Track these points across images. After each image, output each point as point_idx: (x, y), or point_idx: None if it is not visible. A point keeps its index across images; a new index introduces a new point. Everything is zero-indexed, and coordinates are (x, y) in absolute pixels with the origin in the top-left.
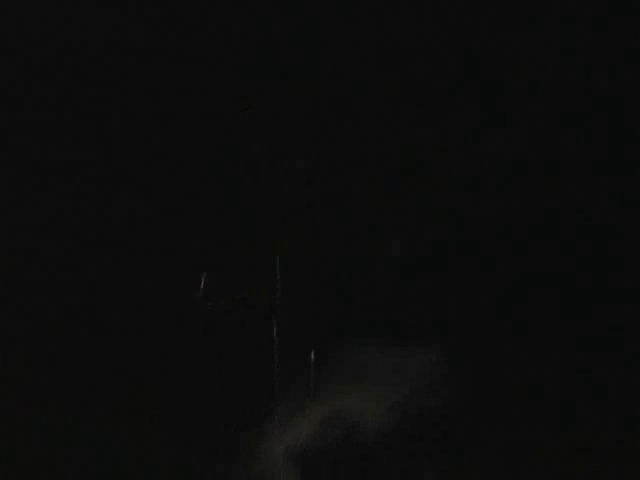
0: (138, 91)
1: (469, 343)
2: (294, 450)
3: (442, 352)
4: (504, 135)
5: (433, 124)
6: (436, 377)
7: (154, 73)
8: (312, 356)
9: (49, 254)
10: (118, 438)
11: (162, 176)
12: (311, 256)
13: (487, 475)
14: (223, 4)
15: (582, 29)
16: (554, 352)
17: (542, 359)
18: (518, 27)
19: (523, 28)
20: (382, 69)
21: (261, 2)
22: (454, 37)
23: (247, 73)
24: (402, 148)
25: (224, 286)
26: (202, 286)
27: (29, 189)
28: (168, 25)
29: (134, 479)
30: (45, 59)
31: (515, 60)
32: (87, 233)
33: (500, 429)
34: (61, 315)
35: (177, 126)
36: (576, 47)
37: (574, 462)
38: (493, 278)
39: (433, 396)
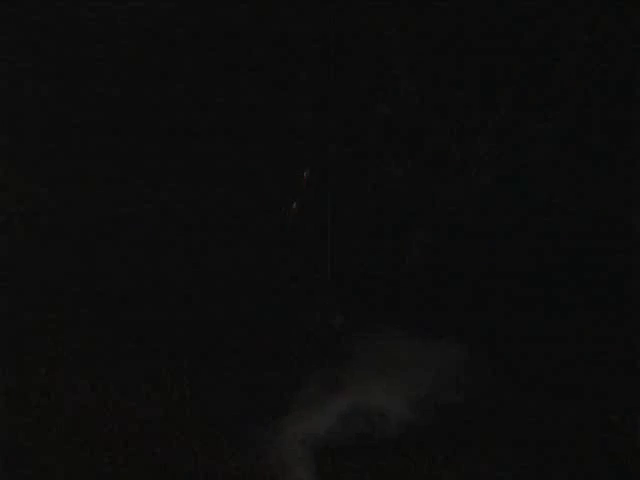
0: None
1: (493, 339)
2: (311, 440)
3: (466, 347)
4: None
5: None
6: (460, 372)
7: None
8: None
9: None
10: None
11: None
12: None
13: (508, 469)
14: None
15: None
16: (576, 347)
17: (564, 355)
18: None
19: None
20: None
21: None
22: None
23: None
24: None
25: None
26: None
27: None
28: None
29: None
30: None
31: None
32: None
33: (522, 424)
34: None
35: None
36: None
37: (592, 458)
38: (518, 275)
39: (457, 391)
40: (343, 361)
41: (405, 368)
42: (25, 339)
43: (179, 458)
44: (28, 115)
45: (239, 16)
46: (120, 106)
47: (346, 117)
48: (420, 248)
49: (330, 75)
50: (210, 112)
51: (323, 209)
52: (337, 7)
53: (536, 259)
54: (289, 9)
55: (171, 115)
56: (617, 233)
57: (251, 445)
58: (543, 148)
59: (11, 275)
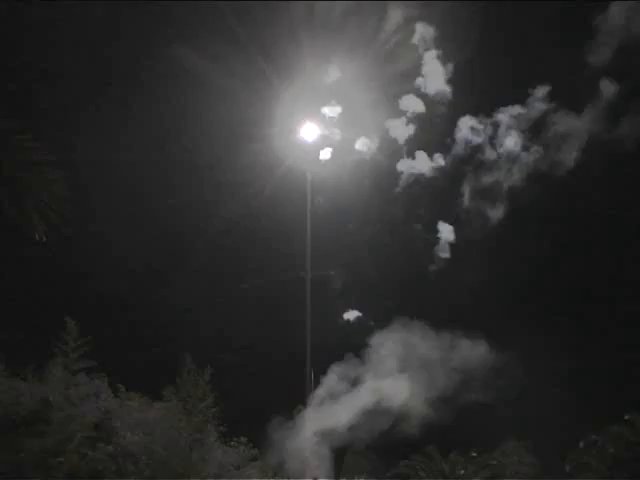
0: None
1: (518, 337)
2: (330, 436)
3: (491, 345)
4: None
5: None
6: (485, 370)
7: None
8: None
9: None
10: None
11: None
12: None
13: (537, 469)
14: None
15: None
16: (605, 348)
17: (591, 354)
18: None
19: None
20: None
21: None
22: None
23: None
24: None
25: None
26: None
27: None
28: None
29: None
30: None
31: None
32: None
33: (550, 424)
34: None
35: None
36: None
37: (623, 458)
38: (545, 274)
39: (482, 389)
40: (363, 354)
41: (428, 366)
42: None
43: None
44: None
45: None
46: None
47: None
48: (446, 244)
49: None
50: None
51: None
52: None
53: (568, 257)
54: None
55: None
56: None
57: (269, 440)
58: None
59: None
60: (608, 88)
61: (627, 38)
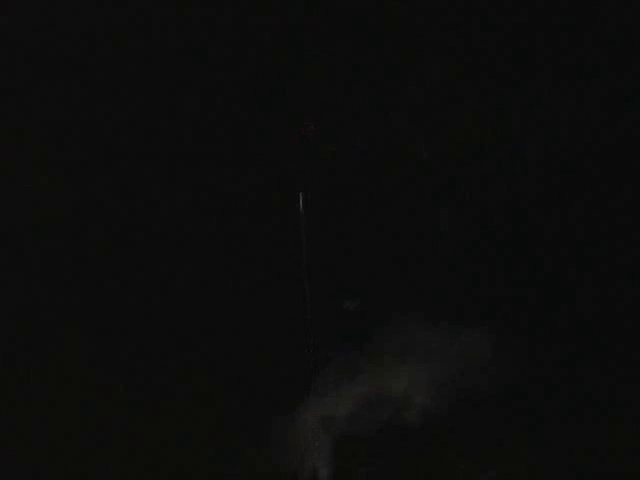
0: None
1: (519, 324)
2: (329, 427)
3: (492, 332)
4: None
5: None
6: (485, 357)
7: None
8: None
9: None
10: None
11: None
12: (361, 228)
13: (536, 455)
14: None
15: None
16: (604, 334)
17: (592, 340)
18: None
19: None
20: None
21: None
22: None
23: None
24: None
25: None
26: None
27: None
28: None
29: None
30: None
31: None
32: None
33: (550, 410)
34: None
35: None
36: None
37: (621, 445)
38: (544, 259)
39: (483, 376)
40: (363, 345)
41: (428, 353)
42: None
43: (191, 449)
44: None
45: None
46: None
47: (375, 99)
48: (447, 227)
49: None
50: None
51: (343, 185)
52: None
53: (569, 240)
54: None
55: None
56: None
57: (267, 434)
58: (578, 129)
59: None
60: None
61: None
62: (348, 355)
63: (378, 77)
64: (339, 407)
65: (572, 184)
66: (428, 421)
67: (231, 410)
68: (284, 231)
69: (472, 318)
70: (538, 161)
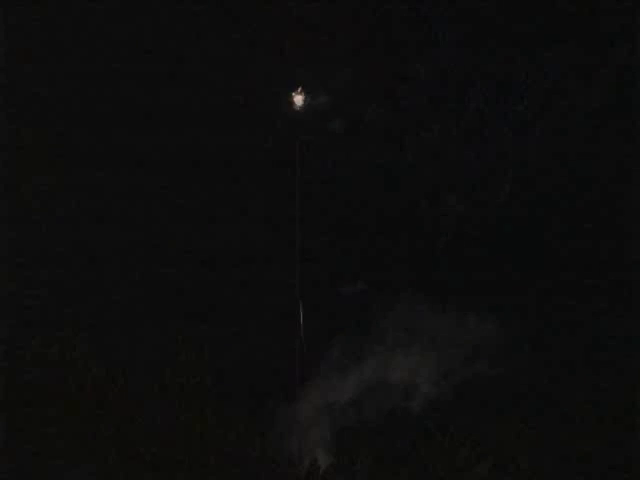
0: None
1: (526, 312)
2: (330, 408)
3: (499, 320)
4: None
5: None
6: (492, 345)
7: None
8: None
9: None
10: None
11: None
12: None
13: (542, 443)
14: None
15: None
16: (613, 323)
17: (600, 330)
18: None
19: None
20: None
21: None
22: None
23: None
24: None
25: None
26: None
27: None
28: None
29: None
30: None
31: None
32: None
33: (556, 398)
34: None
35: None
36: None
37: (628, 432)
38: (553, 248)
39: (489, 364)
40: (367, 332)
41: (433, 341)
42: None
43: (190, 437)
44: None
45: None
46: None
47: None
48: (453, 217)
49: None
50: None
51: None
52: None
53: (575, 231)
54: None
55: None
56: None
57: (270, 418)
58: (585, 117)
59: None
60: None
61: None
62: (350, 342)
63: (389, 63)
64: (340, 395)
65: (581, 177)
66: (430, 409)
67: (230, 398)
68: (281, 213)
69: (478, 306)
70: (545, 154)
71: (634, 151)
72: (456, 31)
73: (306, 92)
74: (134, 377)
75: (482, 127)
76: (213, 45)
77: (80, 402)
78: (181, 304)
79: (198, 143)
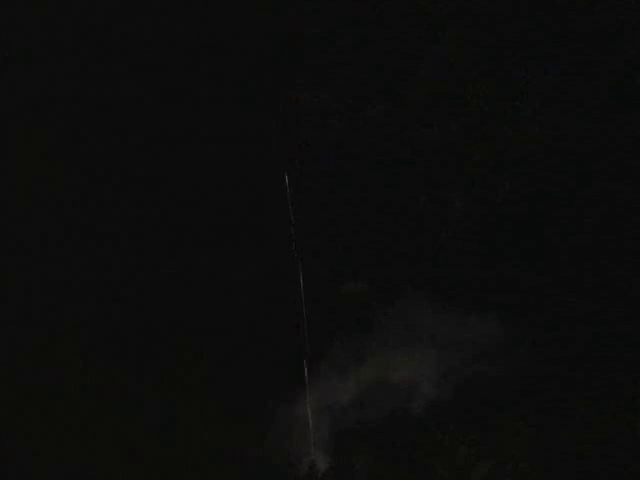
0: None
1: (527, 312)
2: (330, 407)
3: (500, 320)
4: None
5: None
6: (493, 344)
7: None
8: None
9: None
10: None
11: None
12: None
13: (542, 441)
14: None
15: None
16: (615, 321)
17: (601, 329)
18: None
19: None
20: None
21: None
22: None
23: None
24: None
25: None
26: None
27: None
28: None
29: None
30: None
31: None
32: None
33: (557, 398)
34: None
35: None
36: None
37: (631, 432)
38: (556, 248)
39: (490, 363)
40: (368, 331)
41: (434, 341)
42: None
43: (190, 437)
44: None
45: None
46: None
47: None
48: (454, 214)
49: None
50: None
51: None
52: None
53: (576, 228)
54: None
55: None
56: None
57: (270, 419)
58: (590, 110)
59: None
60: None
61: None
62: (351, 341)
63: (393, 60)
64: (340, 395)
65: (587, 172)
66: (430, 408)
67: (228, 398)
68: (278, 214)
69: (480, 306)
70: (545, 151)
71: (634, 147)
72: (456, 28)
73: (308, 88)
74: (134, 377)
75: (482, 124)
76: (214, 39)
77: (80, 402)
78: (181, 304)
79: (198, 141)
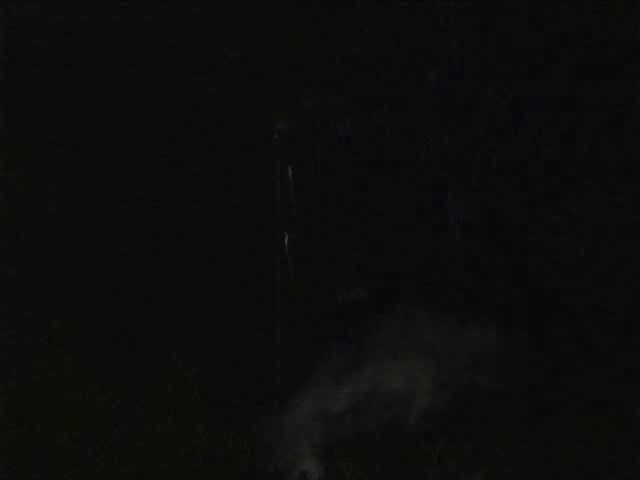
0: None
1: (525, 323)
2: (326, 417)
3: (498, 331)
4: None
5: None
6: (490, 355)
7: None
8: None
9: None
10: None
11: None
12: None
13: (537, 455)
14: None
15: None
16: (614, 334)
17: (603, 341)
18: None
19: None
20: None
21: None
22: None
23: None
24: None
25: None
26: None
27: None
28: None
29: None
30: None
31: None
32: None
33: (554, 411)
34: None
35: None
36: None
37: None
38: (554, 259)
39: (486, 374)
40: (364, 339)
41: (431, 350)
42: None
43: (179, 448)
44: None
45: None
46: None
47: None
48: (459, 226)
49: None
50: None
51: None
52: None
53: (581, 237)
54: None
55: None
56: None
57: (260, 428)
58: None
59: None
60: None
61: None
62: (346, 350)
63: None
64: (333, 404)
65: (593, 181)
66: (424, 419)
67: (218, 407)
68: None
69: (478, 316)
70: (553, 159)
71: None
72: (466, 37)
73: (317, 94)
74: (121, 391)
75: (490, 132)
76: (218, 42)
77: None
78: (169, 311)
79: (198, 138)
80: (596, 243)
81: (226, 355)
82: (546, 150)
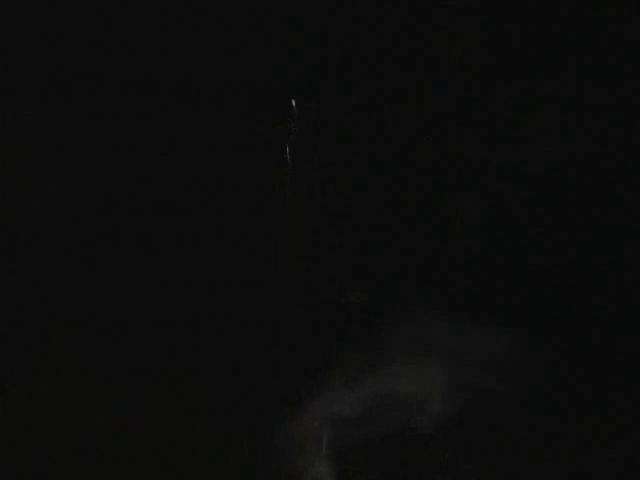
0: None
1: (543, 327)
2: (337, 421)
3: (515, 335)
4: None
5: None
6: (507, 361)
7: None
8: None
9: None
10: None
11: None
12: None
13: (556, 463)
14: None
15: None
16: (631, 338)
17: (619, 345)
18: None
19: None
20: None
21: None
22: None
23: None
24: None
25: None
26: None
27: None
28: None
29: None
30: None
31: None
32: None
33: (571, 418)
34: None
35: None
36: None
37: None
38: (570, 261)
39: (502, 381)
40: (373, 343)
41: (445, 353)
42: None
43: (183, 452)
44: None
45: None
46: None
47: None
48: (467, 221)
49: None
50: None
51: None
52: None
53: (597, 240)
54: None
55: None
56: None
57: (264, 438)
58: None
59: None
60: None
61: None
62: (356, 352)
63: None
64: (345, 409)
65: (608, 183)
66: (437, 425)
67: (223, 411)
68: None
69: (492, 318)
70: (563, 159)
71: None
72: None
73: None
74: (121, 390)
75: (499, 129)
76: (220, 37)
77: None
78: (172, 311)
79: (197, 135)
80: (596, 243)
81: (226, 355)
82: (547, 150)
